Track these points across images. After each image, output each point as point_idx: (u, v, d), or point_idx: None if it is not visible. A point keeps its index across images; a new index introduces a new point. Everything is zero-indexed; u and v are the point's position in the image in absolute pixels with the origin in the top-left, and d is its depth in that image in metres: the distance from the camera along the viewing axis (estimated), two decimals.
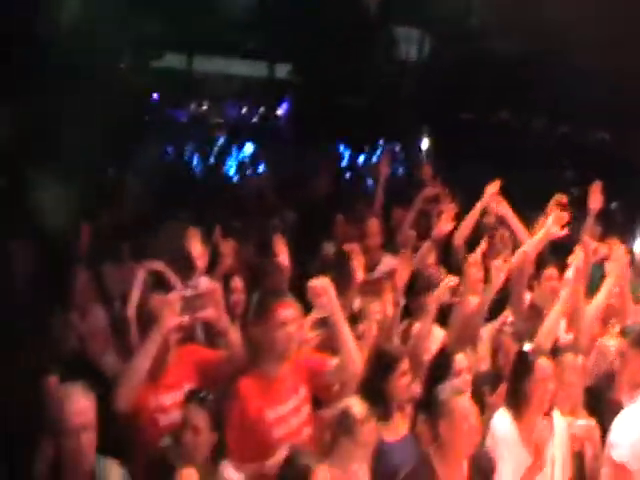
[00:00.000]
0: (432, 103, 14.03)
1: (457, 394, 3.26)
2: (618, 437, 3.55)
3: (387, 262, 5.35)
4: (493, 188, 5.43)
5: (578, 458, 3.76)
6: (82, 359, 4.20)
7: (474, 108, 14.22)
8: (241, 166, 10.84)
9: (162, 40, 13.04)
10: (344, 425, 3.24)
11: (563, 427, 3.70)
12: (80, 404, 2.86)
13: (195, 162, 11.32)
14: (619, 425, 3.61)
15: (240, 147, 12.34)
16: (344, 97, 15.17)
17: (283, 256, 4.81)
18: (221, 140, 13.04)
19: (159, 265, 4.16)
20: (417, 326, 4.36)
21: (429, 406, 3.34)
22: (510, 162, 11.73)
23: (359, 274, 4.56)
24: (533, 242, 4.74)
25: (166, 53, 14.43)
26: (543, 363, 3.54)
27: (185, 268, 4.63)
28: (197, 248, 4.51)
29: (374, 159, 12.41)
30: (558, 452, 3.62)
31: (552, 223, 4.68)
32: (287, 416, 3.39)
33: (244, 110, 16.70)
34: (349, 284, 4.45)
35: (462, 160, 11.80)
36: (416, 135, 14.33)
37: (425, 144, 14.29)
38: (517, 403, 3.55)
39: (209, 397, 3.17)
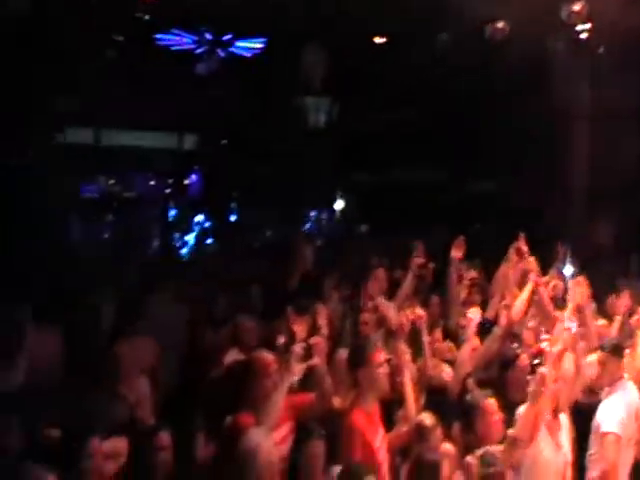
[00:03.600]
0: (340, 167, 15.57)
1: None
2: (606, 415, 4.88)
3: None
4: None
5: None
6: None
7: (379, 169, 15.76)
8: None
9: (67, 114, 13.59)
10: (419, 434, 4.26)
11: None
12: None
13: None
14: (605, 408, 4.96)
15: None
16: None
17: None
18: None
19: None
20: None
21: None
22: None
23: None
24: None
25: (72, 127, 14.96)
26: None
27: None
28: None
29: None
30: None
31: None
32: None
33: (152, 182, 17.37)
34: None
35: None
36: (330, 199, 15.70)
37: (339, 206, 15.71)
38: None
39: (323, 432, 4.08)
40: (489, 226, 13.00)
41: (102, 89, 14.19)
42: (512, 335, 5.54)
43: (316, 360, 4.49)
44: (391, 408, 4.77)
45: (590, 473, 5.05)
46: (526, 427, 4.31)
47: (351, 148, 15.42)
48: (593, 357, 5.34)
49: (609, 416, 4.94)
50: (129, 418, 4.69)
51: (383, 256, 8.48)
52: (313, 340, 4.62)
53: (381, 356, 4.44)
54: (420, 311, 5.38)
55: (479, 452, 3.99)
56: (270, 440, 3.71)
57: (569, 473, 4.84)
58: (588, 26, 10.93)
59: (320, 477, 3.92)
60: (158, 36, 15.51)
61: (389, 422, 4.70)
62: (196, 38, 16.04)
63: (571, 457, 4.89)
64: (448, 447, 4.36)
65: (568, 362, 5.19)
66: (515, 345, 5.28)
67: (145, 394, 5.20)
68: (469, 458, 3.90)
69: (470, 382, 5.14)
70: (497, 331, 5.40)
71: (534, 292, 6.14)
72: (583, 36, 11.22)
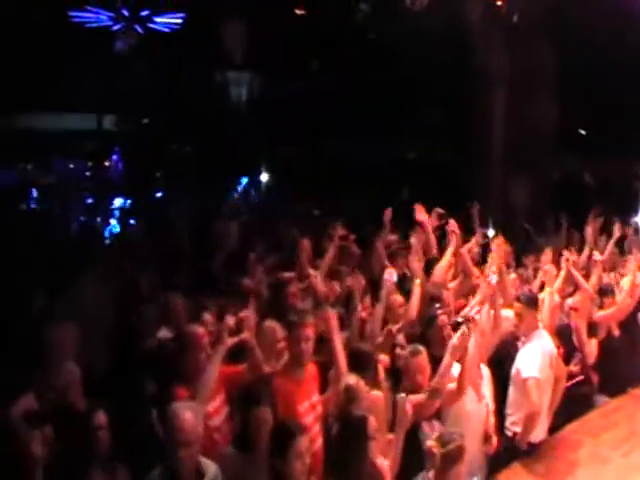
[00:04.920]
0: (264, 140, 15.67)
1: None
2: (525, 361, 5.25)
3: None
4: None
5: None
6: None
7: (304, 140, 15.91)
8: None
9: None
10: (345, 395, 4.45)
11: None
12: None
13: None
14: (523, 355, 5.32)
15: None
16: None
17: None
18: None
19: None
20: None
21: None
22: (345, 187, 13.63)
23: None
24: None
25: None
26: None
27: None
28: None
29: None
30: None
31: None
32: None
33: (72, 165, 17.01)
34: None
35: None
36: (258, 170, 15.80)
37: (265, 177, 15.82)
38: None
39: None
40: (414, 191, 13.32)
41: (16, 70, 13.78)
42: (435, 296, 5.80)
43: (246, 334, 4.61)
44: (326, 371, 4.97)
45: (511, 418, 5.38)
46: (444, 379, 4.56)
47: (274, 121, 15.49)
48: (509, 311, 5.66)
49: (528, 362, 5.28)
50: (60, 403, 4.80)
51: (308, 227, 8.64)
52: (243, 314, 4.72)
53: (309, 331, 4.60)
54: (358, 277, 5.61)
55: (435, 434, 4.17)
56: (195, 411, 3.82)
57: (492, 420, 5.16)
58: None
59: (266, 442, 3.99)
60: (73, 13, 15.16)
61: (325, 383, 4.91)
62: (112, 14, 15.74)
63: (493, 405, 5.21)
64: (377, 393, 4.55)
65: (488, 316, 5.50)
66: (437, 305, 5.51)
67: (74, 378, 5.25)
68: (429, 442, 4.07)
69: (400, 337, 5.41)
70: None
71: (456, 254, 6.47)
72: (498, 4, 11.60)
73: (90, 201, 14.66)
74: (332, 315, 4.94)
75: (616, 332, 6.80)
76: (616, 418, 6.07)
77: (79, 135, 17.06)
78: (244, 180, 15.92)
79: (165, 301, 5.96)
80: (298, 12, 12.67)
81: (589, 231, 8.41)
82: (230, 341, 4.51)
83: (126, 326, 6.27)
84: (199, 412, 3.85)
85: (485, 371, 5.24)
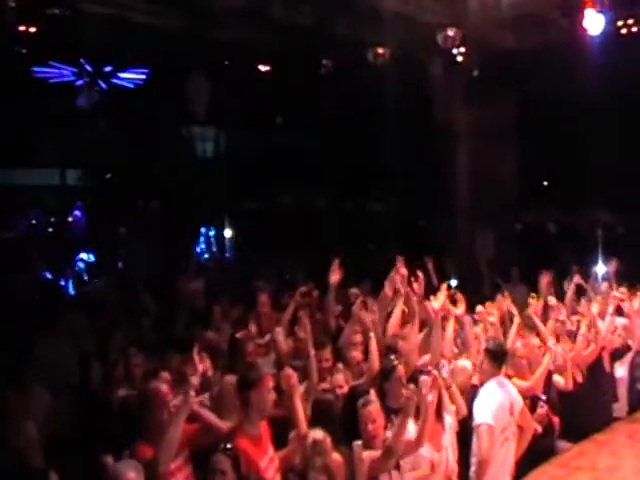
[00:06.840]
0: (228, 194, 15.98)
1: None
2: (478, 408, 5.38)
3: None
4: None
5: None
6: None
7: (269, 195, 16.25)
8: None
9: None
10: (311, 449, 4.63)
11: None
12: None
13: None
14: (477, 402, 5.45)
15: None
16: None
17: None
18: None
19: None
20: None
21: None
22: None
23: None
24: None
25: None
26: None
27: None
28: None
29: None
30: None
31: None
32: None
33: (34, 221, 17.07)
34: None
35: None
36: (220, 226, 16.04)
37: (228, 232, 16.06)
38: None
39: (229, 447, 4.33)
40: (380, 246, 13.61)
41: None
42: (391, 346, 5.98)
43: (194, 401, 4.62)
44: (285, 427, 5.09)
45: (474, 467, 5.51)
46: (399, 438, 4.66)
47: (239, 175, 15.82)
48: (466, 362, 5.86)
49: (480, 409, 5.42)
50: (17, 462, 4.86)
51: (271, 280, 8.84)
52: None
53: (270, 382, 4.74)
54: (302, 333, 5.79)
55: None
56: (137, 470, 3.94)
57: (455, 469, 5.31)
58: (462, 50, 11.79)
59: None
60: (36, 69, 15.42)
61: (284, 441, 5.03)
62: (76, 70, 16.04)
63: (456, 455, 5.36)
64: (336, 456, 4.70)
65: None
66: (393, 357, 5.64)
67: (32, 438, 5.35)
68: None
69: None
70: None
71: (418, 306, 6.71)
72: (458, 59, 12.07)
73: (53, 257, 14.70)
74: (292, 374, 5.09)
75: (579, 378, 7.04)
76: (578, 464, 6.24)
77: (42, 190, 17.18)
78: (210, 234, 16.16)
79: (126, 360, 6.09)
80: (262, 68, 13.11)
81: (544, 282, 8.77)
82: (194, 400, 4.64)
83: (87, 384, 6.36)
84: (141, 471, 3.97)
85: (449, 420, 5.39)
